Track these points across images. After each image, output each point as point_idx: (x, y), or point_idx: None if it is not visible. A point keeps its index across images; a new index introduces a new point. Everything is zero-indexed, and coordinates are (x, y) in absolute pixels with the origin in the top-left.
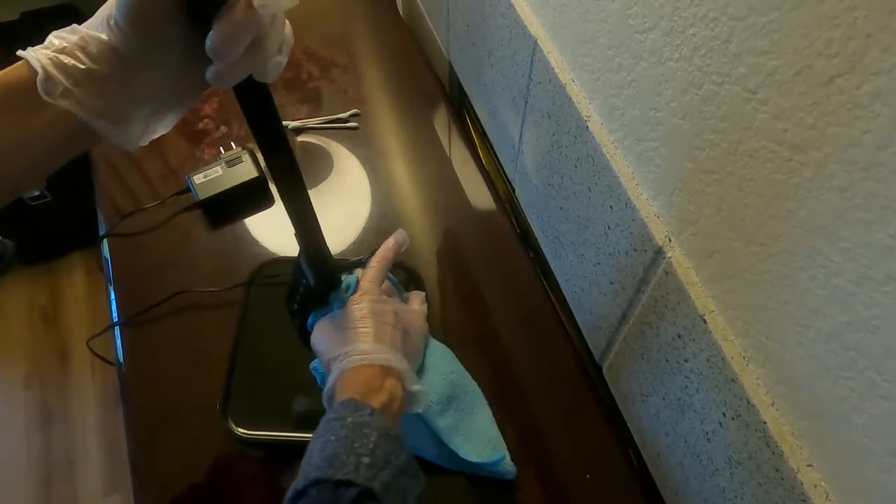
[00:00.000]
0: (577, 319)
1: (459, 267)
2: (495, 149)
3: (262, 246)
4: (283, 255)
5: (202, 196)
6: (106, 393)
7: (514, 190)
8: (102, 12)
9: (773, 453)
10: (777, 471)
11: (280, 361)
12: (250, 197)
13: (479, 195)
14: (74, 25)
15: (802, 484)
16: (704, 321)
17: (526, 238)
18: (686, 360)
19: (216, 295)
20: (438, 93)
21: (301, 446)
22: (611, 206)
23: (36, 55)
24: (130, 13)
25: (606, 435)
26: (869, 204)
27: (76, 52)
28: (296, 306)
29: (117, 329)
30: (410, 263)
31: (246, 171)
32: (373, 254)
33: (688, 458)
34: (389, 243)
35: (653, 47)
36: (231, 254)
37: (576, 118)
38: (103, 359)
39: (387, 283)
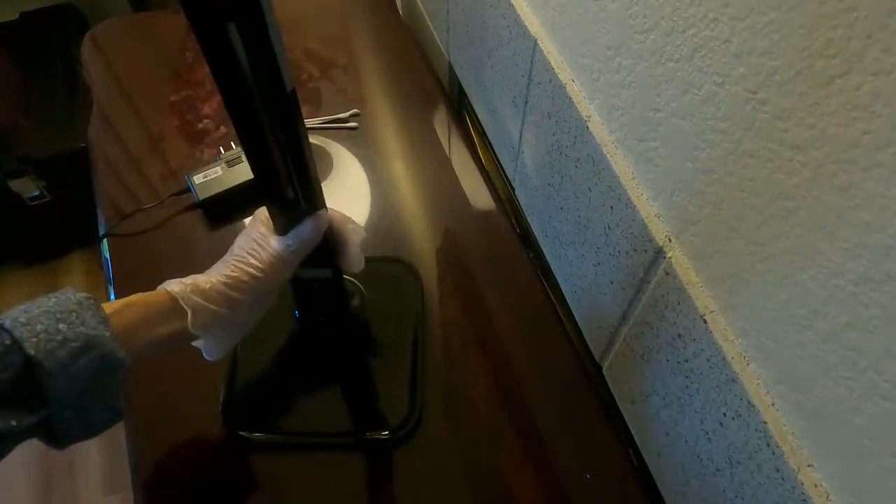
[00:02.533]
0: (577, 319)
1: (459, 267)
2: (495, 149)
3: None
4: None
5: (202, 196)
6: None
7: (514, 190)
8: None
9: (774, 453)
10: (777, 471)
11: (281, 362)
12: (250, 197)
13: (479, 195)
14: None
15: (803, 484)
16: (705, 321)
17: (526, 238)
18: (686, 360)
19: None
20: (438, 93)
21: (302, 447)
22: (611, 207)
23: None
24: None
25: (606, 435)
26: (869, 204)
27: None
28: (321, 318)
29: None
30: (411, 263)
31: (246, 171)
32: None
33: (688, 457)
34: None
35: (653, 47)
36: None
37: (576, 118)
38: None
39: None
